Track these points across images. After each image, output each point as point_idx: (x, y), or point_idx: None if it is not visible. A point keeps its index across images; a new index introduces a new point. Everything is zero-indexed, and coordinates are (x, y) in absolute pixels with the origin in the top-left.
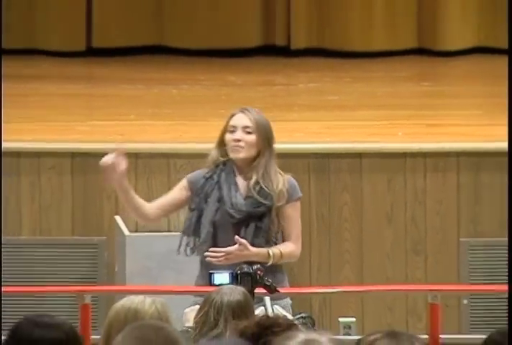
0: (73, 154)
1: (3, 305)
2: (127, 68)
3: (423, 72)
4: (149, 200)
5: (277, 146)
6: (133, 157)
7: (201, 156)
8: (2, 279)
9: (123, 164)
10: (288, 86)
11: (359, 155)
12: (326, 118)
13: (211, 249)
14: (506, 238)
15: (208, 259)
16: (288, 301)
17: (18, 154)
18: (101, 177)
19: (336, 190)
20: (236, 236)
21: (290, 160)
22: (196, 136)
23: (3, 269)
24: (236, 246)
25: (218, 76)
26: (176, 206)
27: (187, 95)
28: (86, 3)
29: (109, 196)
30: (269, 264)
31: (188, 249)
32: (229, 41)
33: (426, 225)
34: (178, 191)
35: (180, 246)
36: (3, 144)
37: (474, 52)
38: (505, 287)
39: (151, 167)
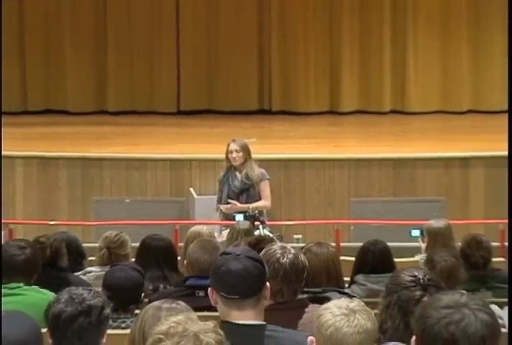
0: (171, 160)
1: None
2: (196, 120)
3: (332, 122)
4: (203, 181)
5: (265, 156)
6: (197, 161)
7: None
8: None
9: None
10: (270, 128)
11: (303, 160)
12: (287, 143)
13: (221, 206)
14: (373, 198)
15: (222, 210)
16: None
17: (145, 160)
18: (183, 171)
19: (293, 177)
20: (229, 200)
21: (271, 163)
22: None
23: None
24: (229, 205)
25: (237, 124)
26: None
27: (223, 132)
28: (177, 85)
29: (187, 179)
30: (257, 211)
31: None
32: (242, 106)
33: (334, 193)
34: (219, 187)
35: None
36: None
37: (358, 113)
38: (369, 221)
39: (206, 166)
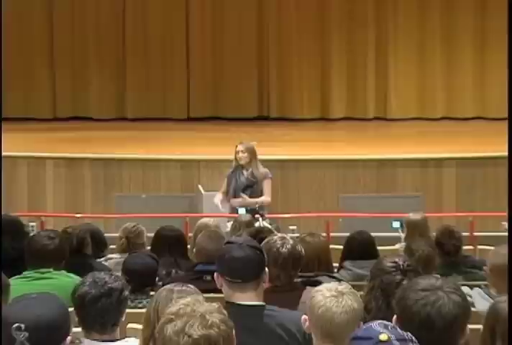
0: (181, 160)
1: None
2: (203, 125)
3: (323, 127)
4: (210, 179)
5: (264, 157)
6: (205, 161)
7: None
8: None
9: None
10: (270, 133)
11: (297, 160)
12: (284, 146)
13: (232, 200)
14: (359, 194)
15: (232, 203)
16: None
17: (159, 160)
18: (192, 170)
19: (289, 175)
20: (241, 194)
21: (270, 163)
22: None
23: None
24: (241, 199)
25: (239, 129)
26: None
27: (227, 136)
28: (187, 95)
29: (196, 177)
30: (258, 205)
31: (226, 202)
32: (244, 113)
33: (325, 189)
34: (226, 182)
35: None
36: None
37: (345, 119)
38: (355, 214)
39: (212, 166)
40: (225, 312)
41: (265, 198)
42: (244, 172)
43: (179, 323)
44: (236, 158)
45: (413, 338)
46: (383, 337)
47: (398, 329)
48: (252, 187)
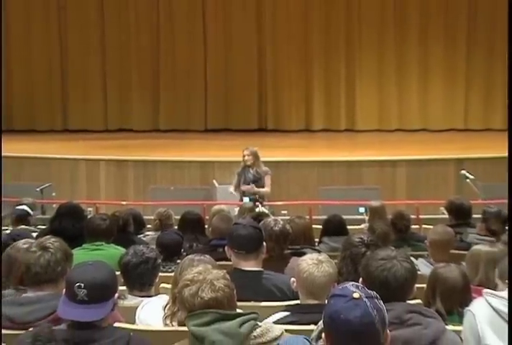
0: (201, 162)
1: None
2: (217, 135)
3: (307, 136)
4: (222, 176)
5: (262, 159)
6: (218, 162)
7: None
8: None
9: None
10: (267, 141)
11: (288, 162)
12: (278, 151)
13: (242, 186)
14: (334, 187)
15: (242, 188)
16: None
17: (184, 161)
18: (209, 169)
19: (282, 173)
20: (251, 184)
21: (267, 164)
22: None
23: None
24: (250, 186)
25: (244, 138)
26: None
27: (235, 143)
28: (205, 112)
29: (211, 174)
30: (258, 195)
31: (235, 191)
32: (248, 126)
33: (308, 183)
34: (237, 177)
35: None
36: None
37: (323, 130)
38: (331, 202)
39: (224, 166)
40: (228, 277)
41: (266, 189)
42: (251, 171)
43: (194, 288)
44: (243, 160)
45: (377, 295)
46: (356, 295)
47: (366, 289)
48: (258, 182)
